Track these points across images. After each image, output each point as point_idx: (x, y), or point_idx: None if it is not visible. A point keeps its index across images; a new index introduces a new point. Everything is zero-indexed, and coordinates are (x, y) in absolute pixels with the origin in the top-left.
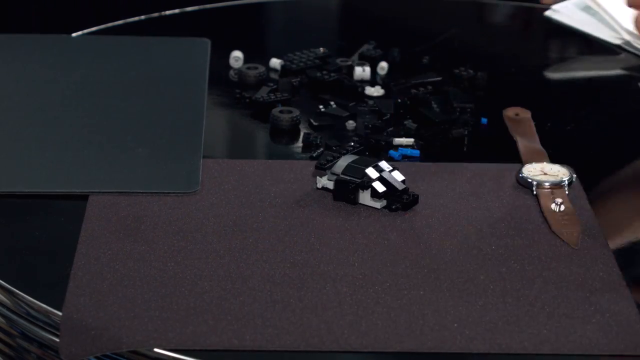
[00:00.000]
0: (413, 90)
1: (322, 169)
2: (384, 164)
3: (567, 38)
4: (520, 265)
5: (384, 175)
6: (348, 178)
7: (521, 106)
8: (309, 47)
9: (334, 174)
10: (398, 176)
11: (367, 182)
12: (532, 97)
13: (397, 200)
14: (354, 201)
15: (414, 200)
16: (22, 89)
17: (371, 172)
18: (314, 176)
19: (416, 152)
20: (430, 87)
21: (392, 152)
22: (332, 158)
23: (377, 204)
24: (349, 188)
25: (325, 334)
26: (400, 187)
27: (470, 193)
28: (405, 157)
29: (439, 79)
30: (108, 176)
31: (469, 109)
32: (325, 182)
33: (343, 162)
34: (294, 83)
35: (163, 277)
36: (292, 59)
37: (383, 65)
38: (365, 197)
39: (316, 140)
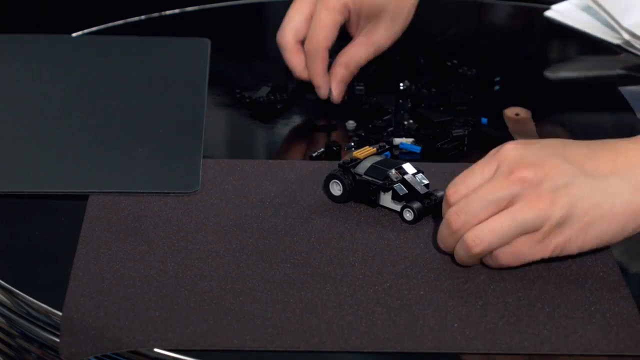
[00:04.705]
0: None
1: (345, 167)
2: (408, 167)
3: (567, 38)
4: (520, 265)
5: (407, 178)
6: (370, 179)
7: (521, 106)
8: None
9: (357, 173)
10: (422, 179)
11: (388, 184)
12: (532, 97)
13: (421, 201)
14: (375, 203)
15: (435, 205)
16: (22, 89)
17: (393, 174)
18: (328, 181)
19: (417, 148)
20: (434, 90)
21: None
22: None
23: (398, 207)
24: (370, 189)
25: (325, 334)
26: (423, 190)
27: None
28: (406, 152)
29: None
30: (108, 176)
31: (465, 108)
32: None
33: (367, 162)
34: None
35: (163, 277)
36: None
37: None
38: (386, 199)
39: (316, 140)
